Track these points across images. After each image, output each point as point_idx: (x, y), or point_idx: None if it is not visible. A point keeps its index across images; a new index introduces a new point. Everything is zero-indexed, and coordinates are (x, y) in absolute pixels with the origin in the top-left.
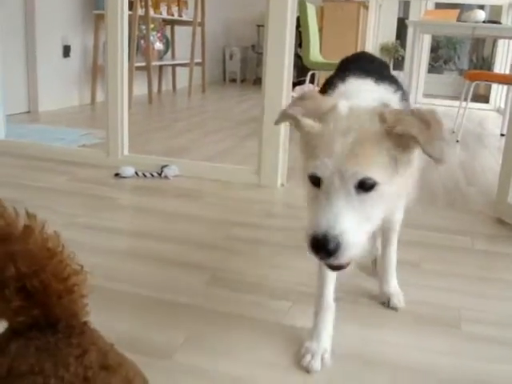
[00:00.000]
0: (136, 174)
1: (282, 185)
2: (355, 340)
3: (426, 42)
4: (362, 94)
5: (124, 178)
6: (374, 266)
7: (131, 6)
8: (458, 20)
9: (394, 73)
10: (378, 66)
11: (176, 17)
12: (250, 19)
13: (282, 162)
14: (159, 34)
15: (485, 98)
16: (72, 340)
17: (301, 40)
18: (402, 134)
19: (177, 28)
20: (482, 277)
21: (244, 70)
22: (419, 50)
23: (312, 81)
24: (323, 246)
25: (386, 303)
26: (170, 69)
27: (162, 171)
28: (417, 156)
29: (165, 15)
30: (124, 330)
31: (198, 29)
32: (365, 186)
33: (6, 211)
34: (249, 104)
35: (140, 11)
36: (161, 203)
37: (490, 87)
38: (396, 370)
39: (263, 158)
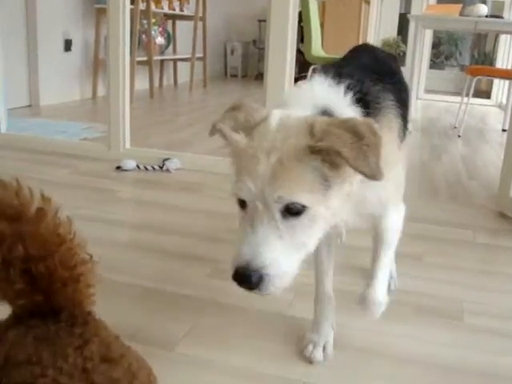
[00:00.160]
0: (137, 167)
1: None
2: (357, 331)
3: (428, 37)
4: (303, 100)
5: (125, 171)
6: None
7: (133, 1)
8: (461, 14)
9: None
10: (372, 60)
11: (177, 11)
12: (252, 14)
13: None
14: (161, 29)
15: (486, 94)
16: (74, 330)
17: (302, 35)
18: (327, 150)
19: (178, 23)
20: (483, 270)
21: (245, 66)
22: (421, 46)
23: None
24: (245, 279)
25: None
26: (171, 63)
27: (163, 164)
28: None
29: (166, 10)
30: (126, 321)
31: (200, 23)
32: (292, 211)
33: (21, 191)
34: (250, 99)
35: (141, 5)
36: (162, 196)
37: (491, 83)
38: (398, 362)
39: None
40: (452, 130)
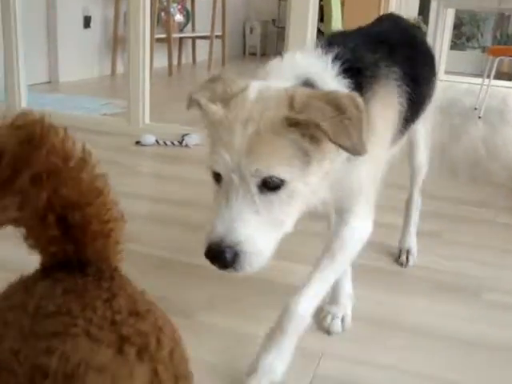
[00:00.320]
0: (157, 142)
1: None
2: (376, 305)
3: (449, 17)
4: (285, 71)
5: (145, 146)
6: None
7: None
8: None
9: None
10: (390, 29)
11: None
12: None
13: None
14: (180, 6)
15: (508, 76)
16: (102, 283)
17: (322, 14)
18: (306, 123)
19: (197, 0)
20: (503, 249)
21: (264, 45)
22: (442, 26)
23: None
24: (219, 257)
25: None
26: (190, 41)
27: (182, 140)
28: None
29: None
30: (147, 290)
31: (219, 1)
32: (270, 186)
33: (67, 139)
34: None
35: None
36: (181, 170)
37: None
38: (415, 335)
39: None
40: (472, 111)
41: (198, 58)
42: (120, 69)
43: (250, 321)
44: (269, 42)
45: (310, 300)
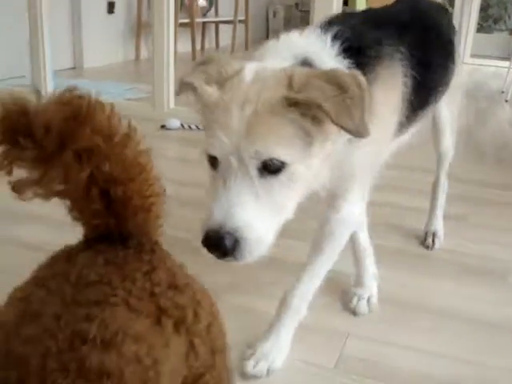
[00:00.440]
0: (182, 126)
1: None
2: (400, 286)
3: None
4: (282, 51)
5: (170, 129)
6: None
7: None
8: None
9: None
10: (405, 9)
11: None
12: None
13: None
14: None
15: None
16: (142, 256)
17: None
18: (306, 103)
19: None
20: None
21: (287, 29)
22: (468, 8)
23: None
24: (217, 244)
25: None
26: (213, 26)
27: None
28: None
29: None
30: None
31: None
32: (270, 168)
33: (113, 116)
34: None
35: None
36: None
37: None
38: (441, 316)
39: None
40: (499, 94)
41: (221, 43)
42: (144, 54)
43: (274, 301)
44: (292, 26)
45: (302, 295)
